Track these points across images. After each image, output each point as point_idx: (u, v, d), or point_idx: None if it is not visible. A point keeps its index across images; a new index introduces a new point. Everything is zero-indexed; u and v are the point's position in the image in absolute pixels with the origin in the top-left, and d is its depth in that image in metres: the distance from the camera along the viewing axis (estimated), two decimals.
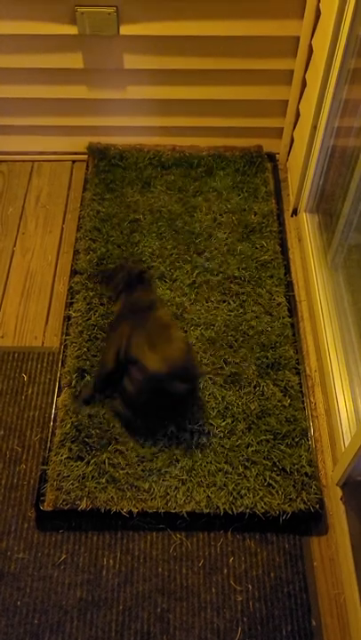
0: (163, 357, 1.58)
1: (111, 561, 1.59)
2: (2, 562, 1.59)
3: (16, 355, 1.96)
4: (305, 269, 2.15)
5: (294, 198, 2.30)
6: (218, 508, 1.60)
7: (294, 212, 2.34)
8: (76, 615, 1.51)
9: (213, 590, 1.55)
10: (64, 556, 1.59)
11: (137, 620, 1.50)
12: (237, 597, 1.54)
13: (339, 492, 1.65)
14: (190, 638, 1.48)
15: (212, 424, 1.74)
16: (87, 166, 2.47)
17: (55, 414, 1.79)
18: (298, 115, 2.30)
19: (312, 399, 1.87)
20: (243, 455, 1.69)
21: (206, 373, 1.82)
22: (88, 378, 1.83)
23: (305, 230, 2.21)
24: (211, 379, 1.83)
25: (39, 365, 1.94)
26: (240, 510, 1.60)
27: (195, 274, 2.07)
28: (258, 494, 1.62)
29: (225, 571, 1.57)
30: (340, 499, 1.63)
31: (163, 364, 1.58)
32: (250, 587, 1.55)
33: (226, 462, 1.67)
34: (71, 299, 2.04)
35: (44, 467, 1.69)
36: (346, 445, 1.64)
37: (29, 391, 1.88)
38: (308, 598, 1.54)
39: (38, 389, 1.89)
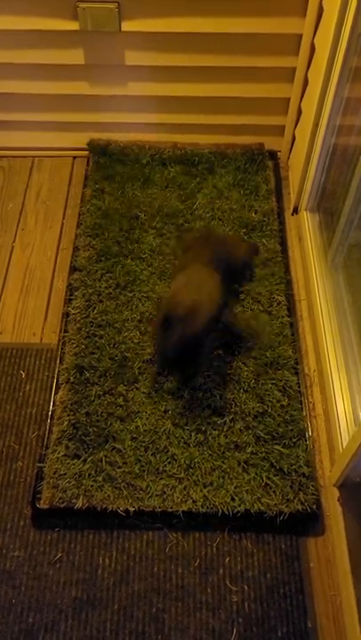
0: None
1: (107, 560, 1.58)
2: None
3: (14, 351, 1.96)
4: (305, 268, 2.14)
5: (295, 196, 2.29)
6: (215, 507, 1.59)
7: (295, 211, 2.32)
8: (71, 614, 1.51)
9: (209, 590, 1.54)
10: (60, 555, 1.59)
11: (132, 620, 1.50)
12: (233, 598, 1.53)
13: (336, 493, 1.64)
14: (185, 639, 1.48)
15: (209, 423, 1.73)
16: (88, 162, 2.46)
17: (52, 411, 1.78)
18: (300, 112, 2.29)
19: (310, 399, 1.86)
20: (240, 455, 1.68)
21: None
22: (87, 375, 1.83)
23: (305, 229, 2.20)
24: (209, 376, 1.82)
25: (37, 362, 1.93)
26: (237, 510, 1.59)
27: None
28: (255, 494, 1.61)
29: (221, 571, 1.57)
30: (338, 500, 1.63)
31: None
32: (246, 587, 1.55)
33: (223, 462, 1.67)
34: (70, 295, 2.03)
35: (41, 464, 1.68)
36: (344, 446, 1.63)
37: (27, 388, 1.88)
38: (305, 599, 1.53)
39: (36, 386, 1.88)
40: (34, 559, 1.58)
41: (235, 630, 1.49)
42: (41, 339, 2.00)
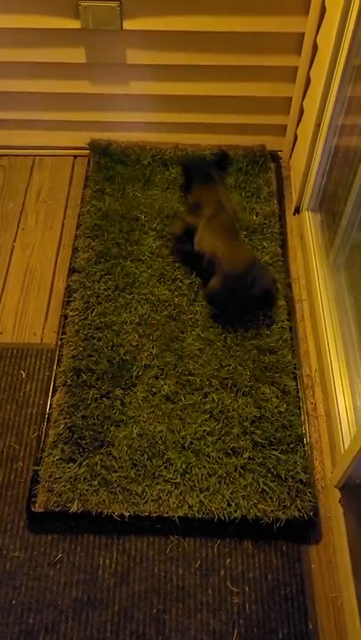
0: (238, 259, 1.93)
1: (107, 561, 1.58)
2: None
3: (15, 351, 1.95)
4: (307, 268, 2.13)
5: (297, 196, 2.28)
6: (211, 512, 1.58)
7: (297, 211, 2.32)
8: (72, 615, 1.51)
9: (210, 592, 1.54)
10: (60, 556, 1.59)
11: (132, 621, 1.50)
12: (234, 599, 1.53)
13: (337, 495, 1.64)
14: None
15: (206, 427, 1.72)
16: (88, 162, 2.45)
17: (49, 414, 1.78)
18: (302, 112, 2.28)
19: (312, 400, 1.86)
20: (237, 460, 1.67)
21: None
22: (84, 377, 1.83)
23: (307, 229, 2.20)
24: (207, 380, 1.81)
25: (38, 362, 1.93)
26: (233, 516, 1.58)
27: (194, 274, 2.06)
28: (252, 500, 1.60)
29: (222, 572, 1.57)
30: (339, 501, 1.62)
31: (239, 264, 1.92)
32: (247, 589, 1.54)
33: (220, 467, 1.66)
34: (68, 297, 2.02)
35: (37, 467, 1.68)
36: (345, 447, 1.63)
37: (27, 388, 1.88)
38: (306, 601, 1.53)
39: (36, 386, 1.88)
40: (34, 560, 1.58)
41: (235, 632, 1.49)
42: (41, 339, 2.00)
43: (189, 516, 1.58)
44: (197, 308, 1.97)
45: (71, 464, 1.66)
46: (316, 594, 1.55)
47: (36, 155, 2.53)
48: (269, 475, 1.64)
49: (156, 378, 1.82)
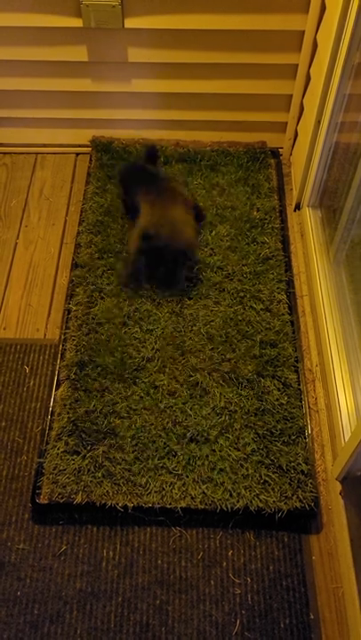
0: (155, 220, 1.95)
1: (111, 552, 1.60)
2: (2, 552, 1.60)
3: (18, 347, 1.97)
4: (307, 264, 2.15)
5: (297, 193, 2.30)
6: (213, 504, 1.60)
7: (297, 207, 2.33)
8: (76, 606, 1.52)
9: (212, 583, 1.55)
10: (64, 548, 1.60)
11: (136, 612, 1.51)
12: (236, 590, 1.54)
13: (338, 487, 1.65)
14: (189, 630, 1.49)
15: (209, 420, 1.74)
16: (90, 159, 2.47)
17: (53, 408, 1.79)
18: (302, 109, 2.29)
19: (313, 394, 1.87)
20: (239, 452, 1.68)
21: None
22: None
23: (308, 225, 2.21)
24: (209, 374, 1.83)
25: (41, 357, 1.95)
26: (236, 507, 1.59)
27: (195, 269, 2.07)
28: (254, 491, 1.62)
29: (224, 564, 1.58)
30: (340, 493, 1.64)
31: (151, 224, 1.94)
32: (249, 580, 1.56)
33: (222, 458, 1.67)
34: (71, 292, 2.04)
35: (41, 459, 1.69)
36: (346, 440, 1.64)
37: (31, 383, 1.89)
38: (307, 592, 1.54)
39: (40, 381, 1.89)
40: (39, 552, 1.60)
41: (238, 622, 1.50)
42: (45, 334, 2.01)
43: (192, 507, 1.60)
44: (198, 303, 1.99)
45: (75, 456, 1.68)
46: (317, 585, 1.56)
47: (38, 152, 2.55)
48: (271, 466, 1.66)
49: (159, 372, 1.84)
